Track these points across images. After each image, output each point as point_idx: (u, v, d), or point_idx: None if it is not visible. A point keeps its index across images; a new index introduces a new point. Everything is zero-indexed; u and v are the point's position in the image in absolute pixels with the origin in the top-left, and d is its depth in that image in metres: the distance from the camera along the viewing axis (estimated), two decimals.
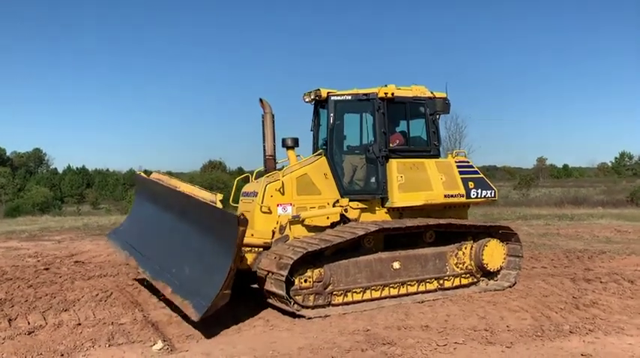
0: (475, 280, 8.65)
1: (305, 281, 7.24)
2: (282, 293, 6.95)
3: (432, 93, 8.86)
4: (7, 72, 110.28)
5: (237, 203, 8.77)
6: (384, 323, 6.85)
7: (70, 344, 6.06)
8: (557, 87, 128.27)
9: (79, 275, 10.29)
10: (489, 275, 8.75)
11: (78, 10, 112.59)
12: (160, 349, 5.89)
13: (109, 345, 6.08)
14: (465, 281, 8.59)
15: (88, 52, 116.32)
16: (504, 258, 8.72)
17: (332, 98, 8.42)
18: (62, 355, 5.71)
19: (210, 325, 6.83)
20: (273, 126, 8.47)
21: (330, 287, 7.42)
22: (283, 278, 6.87)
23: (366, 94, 8.47)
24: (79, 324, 6.84)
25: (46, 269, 11.03)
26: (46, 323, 6.89)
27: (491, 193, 9.02)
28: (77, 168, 74.56)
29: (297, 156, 8.75)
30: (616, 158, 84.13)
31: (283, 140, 8.65)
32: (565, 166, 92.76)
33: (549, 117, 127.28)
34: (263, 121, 8.49)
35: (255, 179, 8.75)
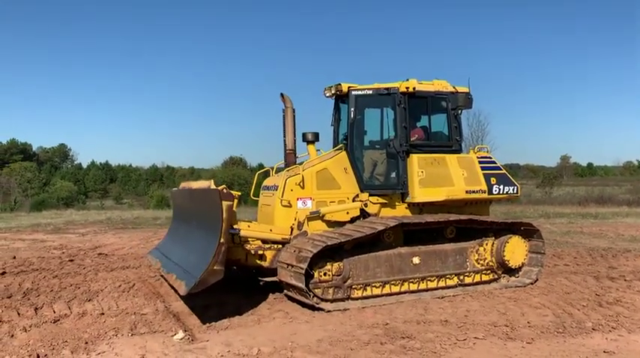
0: (496, 276, 8.55)
1: (324, 274, 7.26)
2: (302, 285, 6.98)
3: (454, 87, 8.77)
4: (34, 70, 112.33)
5: (258, 197, 8.85)
6: (403, 317, 6.84)
7: (93, 332, 6.18)
8: (583, 85, 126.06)
9: (102, 266, 10.48)
10: (511, 271, 8.62)
11: (102, 8, 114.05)
12: (181, 339, 5.97)
13: (132, 334, 6.18)
14: (485, 278, 8.48)
15: (113, 50, 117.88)
16: (526, 255, 8.59)
17: (353, 93, 8.41)
18: (86, 343, 5.83)
19: (231, 317, 6.92)
20: (294, 121, 8.52)
21: (349, 281, 7.43)
22: (303, 271, 6.91)
23: (387, 89, 8.44)
24: (103, 314, 6.97)
25: (71, 260, 11.25)
26: (71, 313, 7.03)
27: (513, 189, 8.88)
28: (101, 164, 75.73)
29: (317, 150, 8.77)
30: None
31: (304, 134, 8.67)
32: (589, 165, 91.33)
33: (574, 116, 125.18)
34: (284, 116, 8.55)
35: (276, 173, 8.83)
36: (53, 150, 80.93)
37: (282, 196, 7.95)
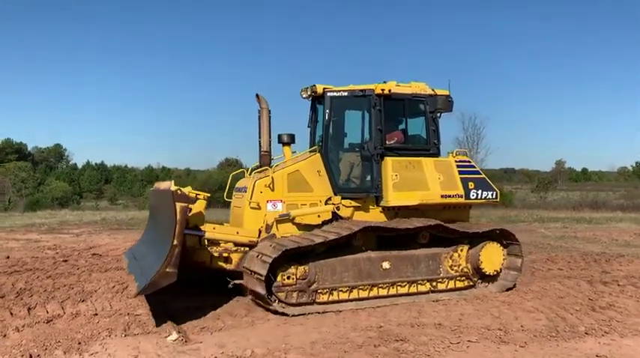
0: (471, 283, 8.36)
1: (288, 278, 7.12)
2: (262, 292, 6.86)
3: (432, 90, 8.63)
4: (28, 69, 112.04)
5: (231, 198, 8.69)
6: (397, 320, 6.85)
7: (87, 333, 6.17)
8: (578, 90, 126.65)
9: (96, 267, 10.43)
10: (487, 278, 8.45)
11: (99, 8, 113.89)
12: (175, 340, 5.96)
13: (125, 335, 6.17)
14: (460, 284, 8.29)
15: (110, 50, 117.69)
16: (503, 261, 8.41)
17: (328, 94, 8.26)
18: (80, 343, 5.81)
19: (225, 318, 6.92)
20: (269, 122, 8.35)
21: (314, 285, 7.28)
22: (262, 278, 6.79)
23: (362, 91, 8.29)
24: (96, 314, 6.95)
25: (65, 261, 11.20)
26: (64, 313, 7.01)
27: (492, 194, 8.69)
28: (96, 164, 75.43)
29: (292, 152, 8.59)
30: (637, 162, 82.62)
31: (279, 136, 8.49)
32: (584, 170, 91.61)
33: (569, 121, 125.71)
34: (259, 117, 8.38)
35: (250, 175, 8.65)
36: (48, 150, 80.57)
37: (250, 198, 7.81)
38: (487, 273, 8.32)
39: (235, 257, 7.60)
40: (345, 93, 8.32)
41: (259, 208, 7.82)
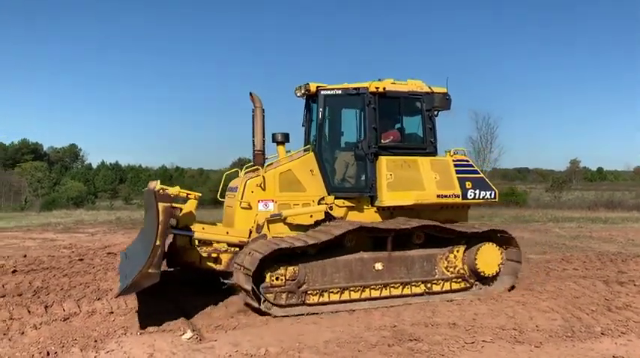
0: (468, 285, 8.17)
1: (277, 279, 7.04)
2: (249, 288, 6.76)
3: (429, 87, 8.47)
4: (45, 70, 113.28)
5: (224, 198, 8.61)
6: (410, 319, 6.84)
7: (103, 330, 6.24)
8: (594, 88, 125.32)
9: (111, 266, 10.53)
10: (484, 280, 8.24)
11: (110, 7, 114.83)
12: (190, 338, 6.00)
13: (140, 333, 6.23)
14: (456, 286, 8.10)
15: (125, 51, 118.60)
16: (501, 263, 8.18)
17: (321, 92, 8.14)
18: (96, 341, 5.88)
19: (239, 317, 6.95)
20: (263, 121, 8.29)
21: (304, 287, 7.18)
22: (250, 273, 6.72)
23: (356, 89, 8.16)
24: (112, 312, 7.03)
25: (80, 260, 11.33)
26: (80, 311, 7.09)
27: (490, 194, 8.48)
28: (111, 164, 76.09)
29: (287, 151, 8.51)
30: None
31: (273, 135, 8.39)
32: (599, 169, 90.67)
33: (584, 120, 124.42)
34: (253, 116, 8.31)
35: (244, 174, 8.51)
36: (64, 150, 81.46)
37: (241, 198, 7.72)
38: (484, 275, 8.10)
39: (225, 257, 7.51)
40: (339, 92, 8.20)
41: (250, 208, 7.72)
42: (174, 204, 7.54)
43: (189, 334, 6.10)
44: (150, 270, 6.24)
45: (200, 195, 7.85)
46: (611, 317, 6.92)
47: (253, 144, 8.36)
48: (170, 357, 5.44)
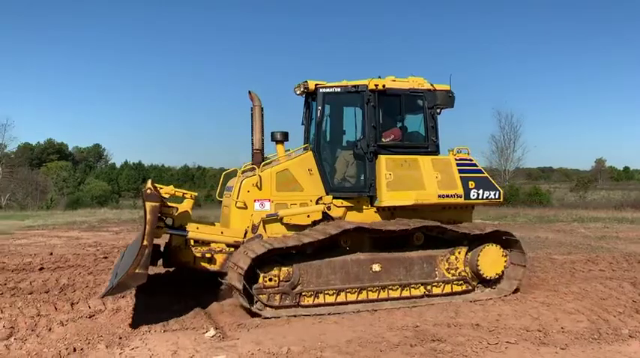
0: (470, 288, 7.98)
1: (270, 280, 6.96)
2: (239, 286, 6.68)
3: (431, 85, 8.28)
4: (70, 72, 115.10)
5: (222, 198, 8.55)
6: (433, 320, 6.79)
7: (127, 328, 6.32)
8: (619, 86, 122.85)
9: None
10: (487, 283, 8.08)
11: (137, 6, 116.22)
12: (213, 336, 6.05)
13: (164, 331, 6.31)
14: (457, 288, 7.92)
15: (147, 52, 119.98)
16: (504, 265, 7.99)
17: (320, 90, 8.01)
18: (121, 338, 5.96)
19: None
20: (262, 120, 8.23)
21: (298, 288, 7.10)
22: (242, 272, 6.65)
23: (355, 86, 8.01)
24: (136, 310, 7.10)
25: (105, 257, 11.51)
26: (105, 308, 7.17)
27: (494, 194, 8.23)
28: (134, 164, 76.98)
29: (286, 150, 8.41)
30: None
31: (272, 134, 8.29)
32: (626, 168, 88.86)
33: (610, 118, 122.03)
34: (252, 114, 8.27)
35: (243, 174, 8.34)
36: (88, 150, 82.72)
37: (237, 198, 7.64)
38: (487, 277, 7.92)
39: (220, 257, 7.46)
40: (338, 89, 8.07)
41: (246, 208, 7.64)
42: (171, 204, 7.59)
43: (212, 332, 6.16)
44: (137, 271, 6.20)
45: (196, 194, 7.85)
46: (639, 319, 6.79)
47: (252, 143, 8.30)
48: (193, 355, 5.48)
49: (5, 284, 8.71)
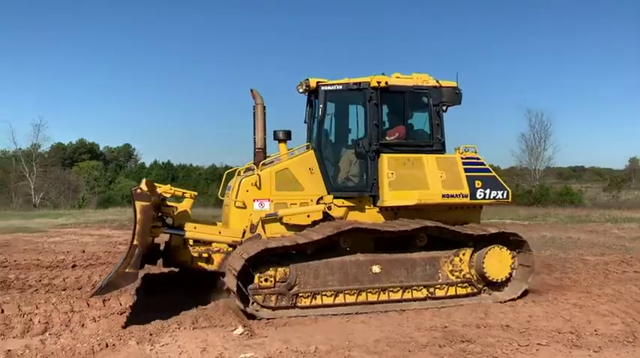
0: (476, 290, 7.74)
1: (265, 280, 6.87)
2: (233, 287, 6.61)
3: (437, 81, 8.06)
4: (102, 73, 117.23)
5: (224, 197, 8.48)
6: (462, 320, 6.72)
7: (157, 324, 6.41)
8: None
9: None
10: (493, 285, 7.81)
11: (169, 7, 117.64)
12: (241, 334, 6.10)
13: (194, 328, 6.38)
14: (461, 291, 7.69)
15: (173, 54, 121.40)
16: (512, 268, 7.74)
17: (322, 88, 7.87)
18: (151, 334, 6.05)
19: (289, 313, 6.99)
20: (264, 118, 8.16)
21: (295, 289, 6.98)
22: (236, 273, 6.59)
23: (357, 84, 7.84)
24: (166, 307, 7.20)
25: None
26: (136, 305, 7.31)
27: (502, 194, 7.96)
28: (163, 163, 77.99)
29: (288, 149, 8.25)
30: None
31: (274, 132, 8.18)
32: None
33: None
34: (254, 113, 8.19)
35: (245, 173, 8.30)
36: (118, 149, 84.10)
37: (236, 197, 7.56)
38: (493, 280, 7.67)
39: (217, 257, 7.42)
40: (340, 87, 7.90)
41: (245, 207, 7.55)
42: (170, 203, 7.63)
43: (240, 330, 6.20)
44: (127, 270, 6.18)
45: (196, 194, 7.86)
46: None
47: (254, 142, 8.25)
48: (222, 352, 5.53)
49: (40, 280, 8.95)
